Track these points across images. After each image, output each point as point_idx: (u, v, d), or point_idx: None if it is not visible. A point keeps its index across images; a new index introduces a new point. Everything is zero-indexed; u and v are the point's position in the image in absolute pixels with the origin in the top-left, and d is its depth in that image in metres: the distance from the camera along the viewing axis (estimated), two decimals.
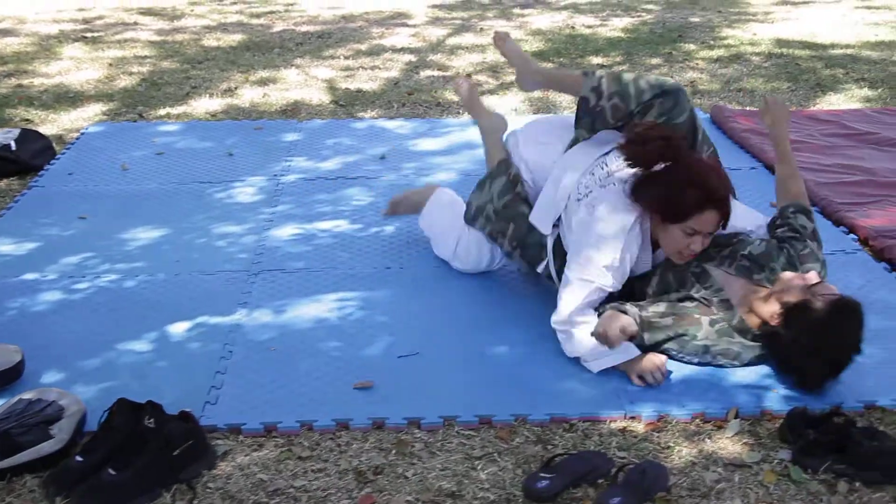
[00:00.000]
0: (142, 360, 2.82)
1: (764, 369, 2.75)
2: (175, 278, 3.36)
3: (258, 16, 8.22)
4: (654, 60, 6.50)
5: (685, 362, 2.76)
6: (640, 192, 2.79)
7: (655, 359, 2.69)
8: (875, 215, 3.72)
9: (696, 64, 6.40)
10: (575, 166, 3.03)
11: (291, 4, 8.73)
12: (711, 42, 7.07)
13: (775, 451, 2.43)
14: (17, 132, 4.52)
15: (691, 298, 2.79)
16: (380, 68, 6.38)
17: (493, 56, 6.67)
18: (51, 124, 5.19)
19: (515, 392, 2.65)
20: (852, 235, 3.63)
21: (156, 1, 8.78)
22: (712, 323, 2.73)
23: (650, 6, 8.57)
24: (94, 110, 5.43)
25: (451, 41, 7.20)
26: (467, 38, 7.27)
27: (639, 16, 8.13)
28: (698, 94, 5.68)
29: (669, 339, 2.76)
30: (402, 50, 6.91)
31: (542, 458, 2.39)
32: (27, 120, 5.24)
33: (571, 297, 2.79)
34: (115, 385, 2.67)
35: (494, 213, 3.18)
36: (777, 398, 2.62)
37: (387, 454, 2.41)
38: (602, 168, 2.96)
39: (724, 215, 2.78)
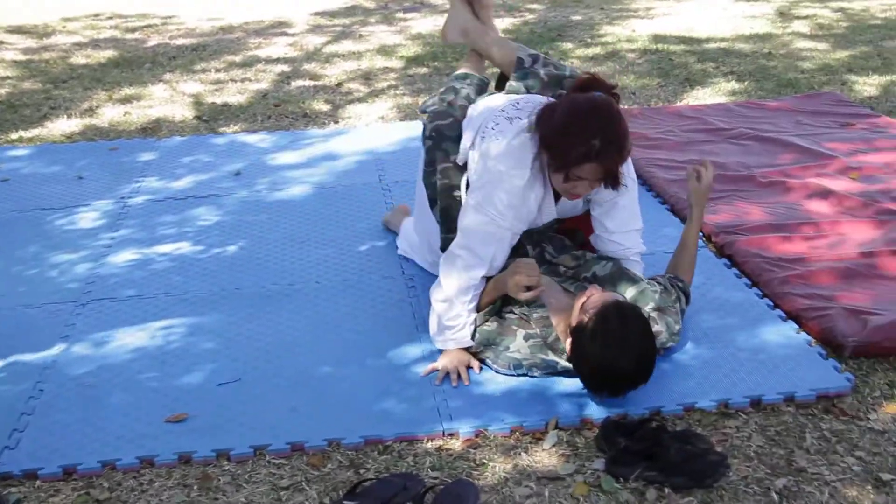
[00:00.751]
0: None
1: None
2: None
3: (133, 30, 8.01)
4: None
5: (501, 373, 2.71)
6: (539, 125, 2.63)
7: (465, 366, 2.71)
8: (721, 211, 3.72)
9: (571, 63, 6.39)
10: (495, 101, 2.96)
11: (170, 17, 8.53)
12: (589, 40, 7.08)
13: (591, 461, 2.38)
14: None
15: (513, 312, 2.74)
16: (251, 80, 6.25)
17: (368, 63, 6.59)
18: None
19: (332, 415, 2.57)
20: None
21: (26, 18, 8.51)
22: (527, 337, 2.68)
23: (534, 6, 8.57)
24: None
25: (329, 49, 7.10)
26: (345, 46, 7.17)
27: (521, 16, 8.12)
28: None
29: (488, 344, 2.71)
30: (277, 60, 6.78)
31: (352, 483, 2.31)
32: None
33: (464, 255, 2.70)
34: None
35: (450, 105, 3.09)
36: (599, 406, 2.57)
37: (190, 491, 2.31)
38: (515, 106, 2.84)
39: (609, 174, 2.57)
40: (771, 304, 3.08)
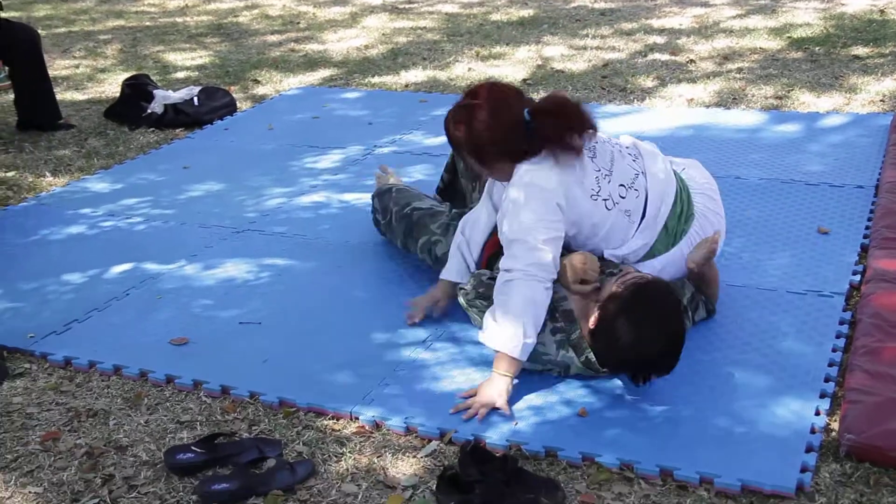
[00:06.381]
0: (52, 291, 3.25)
1: (543, 401, 2.47)
2: (179, 227, 3.77)
3: None
4: None
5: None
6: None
7: (430, 301, 2.90)
8: None
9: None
10: None
11: None
12: None
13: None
14: (198, 89, 5.20)
15: None
16: (613, 49, 6.19)
17: (746, 42, 6.13)
18: (272, 85, 5.85)
19: (280, 372, 2.68)
20: (857, 277, 2.99)
21: None
22: (554, 331, 2.54)
23: None
24: (320, 75, 6.00)
25: (727, 24, 6.70)
26: (746, 21, 6.71)
27: (874, 5, 6.86)
28: (888, 98, 4.77)
29: None
30: (662, 31, 6.59)
31: (210, 434, 2.42)
32: (256, 80, 5.96)
33: None
34: (5, 308, 3.15)
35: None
36: (507, 432, 2.35)
37: (115, 402, 2.61)
38: None
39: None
40: (834, 374, 2.49)
